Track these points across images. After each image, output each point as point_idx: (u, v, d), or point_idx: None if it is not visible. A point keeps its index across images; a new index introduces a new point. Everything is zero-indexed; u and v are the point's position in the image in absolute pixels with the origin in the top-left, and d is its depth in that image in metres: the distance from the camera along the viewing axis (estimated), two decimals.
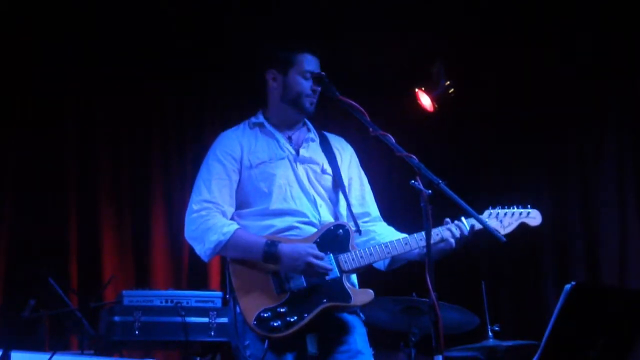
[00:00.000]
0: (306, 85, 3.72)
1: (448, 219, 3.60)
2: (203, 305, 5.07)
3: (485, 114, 7.06)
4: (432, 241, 3.18)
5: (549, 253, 6.78)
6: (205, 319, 5.02)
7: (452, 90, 6.56)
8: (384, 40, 6.59)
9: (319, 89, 3.72)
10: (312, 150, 3.81)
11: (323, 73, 3.69)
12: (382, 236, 3.73)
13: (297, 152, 3.77)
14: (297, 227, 3.62)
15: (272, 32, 6.11)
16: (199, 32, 6.54)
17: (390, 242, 3.59)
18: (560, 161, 6.89)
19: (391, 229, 3.81)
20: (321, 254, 3.48)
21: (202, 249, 3.58)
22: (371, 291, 3.56)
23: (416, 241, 3.56)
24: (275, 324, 3.41)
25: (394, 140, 3.34)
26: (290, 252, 3.46)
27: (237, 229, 3.55)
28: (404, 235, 3.67)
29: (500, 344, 5.11)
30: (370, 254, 3.56)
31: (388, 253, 3.57)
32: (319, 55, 3.79)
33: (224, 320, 4.98)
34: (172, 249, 6.51)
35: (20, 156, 6.26)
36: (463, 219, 3.57)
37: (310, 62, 3.75)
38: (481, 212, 3.67)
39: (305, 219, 3.63)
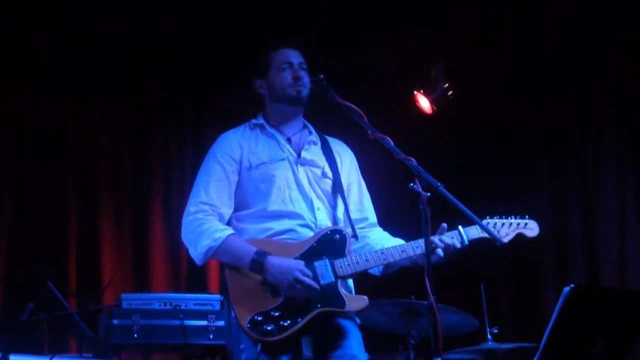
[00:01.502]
0: (286, 75, 3.73)
1: (444, 225, 3.59)
2: (202, 308, 5.07)
3: (484, 115, 7.05)
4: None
5: (548, 255, 6.77)
6: (204, 322, 5.02)
7: (450, 92, 6.56)
8: (383, 41, 6.59)
9: (304, 74, 3.72)
10: (314, 153, 3.81)
11: (322, 76, 3.67)
12: (375, 241, 3.73)
13: (299, 155, 3.76)
14: (294, 230, 3.61)
15: (271, 32, 6.10)
16: (200, 32, 6.55)
17: (387, 248, 3.57)
18: (560, 163, 6.88)
19: (386, 234, 3.80)
20: (309, 272, 3.46)
21: (195, 253, 3.59)
22: (366, 297, 3.54)
23: (412, 249, 3.55)
24: (268, 328, 3.41)
25: (392, 143, 3.33)
26: (278, 265, 3.44)
27: (230, 234, 3.55)
28: (399, 239, 3.67)
29: (499, 347, 5.10)
30: (366, 260, 3.55)
31: (384, 260, 3.56)
32: (296, 47, 3.81)
33: (223, 323, 4.97)
34: (171, 252, 6.51)
35: (20, 157, 6.26)
36: (461, 228, 3.56)
37: (285, 55, 3.77)
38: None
39: (302, 222, 3.62)
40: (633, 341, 3.86)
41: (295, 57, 3.78)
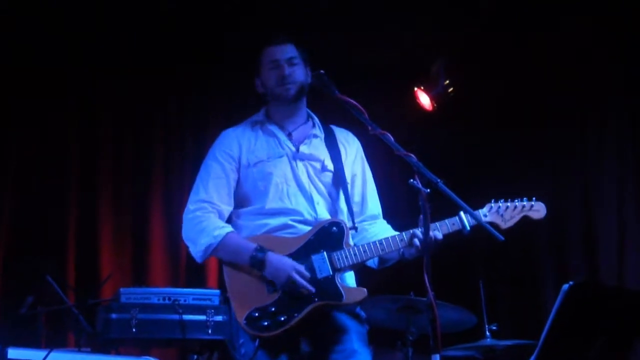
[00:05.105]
0: (273, 75, 3.74)
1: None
2: (200, 303, 5.07)
3: (486, 108, 7.04)
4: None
5: (548, 252, 6.76)
6: (203, 317, 5.01)
7: (451, 89, 6.56)
8: (384, 37, 6.59)
9: (292, 70, 3.71)
10: (314, 147, 3.80)
11: (322, 71, 3.66)
12: (371, 234, 3.73)
13: (298, 149, 3.76)
14: (292, 226, 3.62)
15: (271, 29, 6.09)
16: (201, 30, 6.55)
17: (385, 239, 3.57)
18: (560, 158, 6.87)
19: (387, 228, 3.79)
20: (306, 273, 3.47)
21: (195, 251, 3.63)
22: (364, 289, 3.55)
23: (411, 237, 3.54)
24: (265, 323, 3.43)
25: (392, 139, 3.32)
26: (276, 262, 3.47)
27: (229, 232, 3.57)
28: (398, 233, 3.65)
29: (497, 344, 5.10)
30: (364, 251, 3.55)
31: (382, 250, 3.55)
32: (285, 41, 3.80)
33: (221, 318, 4.99)
34: (170, 246, 6.51)
35: (21, 154, 6.26)
36: (462, 214, 3.50)
37: (270, 53, 3.78)
38: (482, 205, 3.66)
39: (301, 218, 3.63)
40: (632, 341, 3.85)
41: (281, 53, 3.77)
